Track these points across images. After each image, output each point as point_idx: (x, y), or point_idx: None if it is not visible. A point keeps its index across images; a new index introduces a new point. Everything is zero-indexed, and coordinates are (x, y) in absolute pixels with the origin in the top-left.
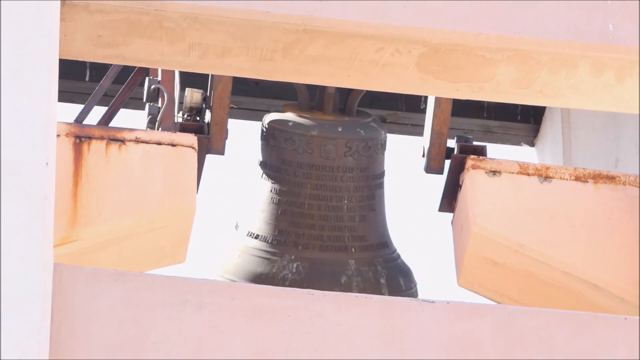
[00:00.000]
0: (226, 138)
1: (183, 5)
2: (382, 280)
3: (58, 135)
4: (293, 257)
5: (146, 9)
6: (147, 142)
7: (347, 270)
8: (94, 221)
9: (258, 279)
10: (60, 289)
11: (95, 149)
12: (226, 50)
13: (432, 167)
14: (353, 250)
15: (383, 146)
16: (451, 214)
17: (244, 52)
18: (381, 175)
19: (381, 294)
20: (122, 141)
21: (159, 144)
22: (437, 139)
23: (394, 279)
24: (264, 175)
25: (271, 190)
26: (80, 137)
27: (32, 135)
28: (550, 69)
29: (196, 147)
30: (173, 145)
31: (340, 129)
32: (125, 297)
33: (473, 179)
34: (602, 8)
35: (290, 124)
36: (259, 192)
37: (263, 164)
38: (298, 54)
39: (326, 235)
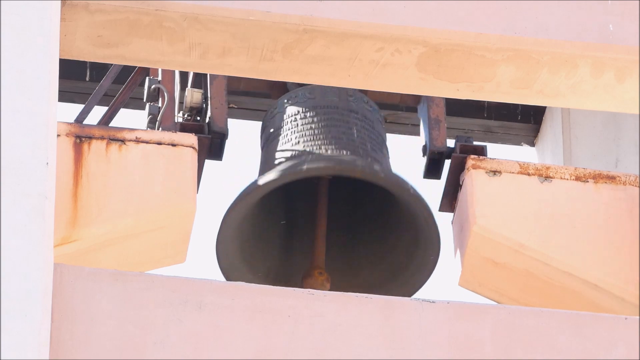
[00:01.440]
0: (226, 138)
1: (183, 5)
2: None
3: (58, 135)
4: (313, 158)
5: (146, 9)
6: (147, 142)
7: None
8: (94, 221)
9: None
10: (60, 289)
11: (95, 149)
12: (226, 50)
13: (436, 146)
14: (368, 159)
15: (382, 121)
16: (451, 214)
17: (244, 52)
18: (384, 143)
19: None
20: (123, 141)
21: (159, 144)
22: (436, 124)
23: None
24: (271, 136)
25: (282, 137)
26: (80, 137)
27: (32, 135)
28: (550, 69)
29: (196, 147)
30: (173, 145)
31: (337, 91)
32: (125, 297)
33: (473, 178)
34: (602, 8)
35: (291, 94)
36: (269, 147)
37: (268, 133)
38: (298, 54)
39: (341, 151)
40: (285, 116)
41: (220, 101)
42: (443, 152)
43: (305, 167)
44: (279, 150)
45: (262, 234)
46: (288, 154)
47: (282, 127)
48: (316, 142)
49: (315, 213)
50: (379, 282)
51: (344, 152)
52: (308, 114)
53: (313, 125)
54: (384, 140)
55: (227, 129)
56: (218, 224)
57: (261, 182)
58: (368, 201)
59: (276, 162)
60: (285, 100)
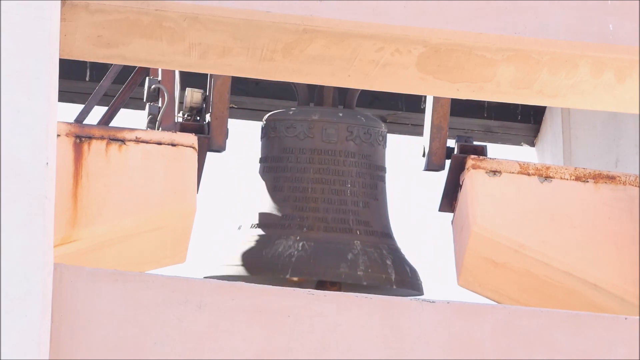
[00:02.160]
0: (226, 137)
1: (183, 5)
2: (389, 262)
3: (58, 135)
4: (298, 237)
5: (146, 9)
6: (147, 142)
7: (353, 249)
8: (94, 221)
9: (264, 259)
10: (60, 289)
11: (95, 149)
12: (226, 50)
13: (434, 163)
14: (358, 232)
15: (384, 139)
16: (451, 214)
17: (244, 52)
18: (383, 168)
19: (388, 274)
20: (122, 141)
21: (159, 143)
22: (437, 133)
23: (400, 264)
24: (265, 168)
25: (273, 180)
26: (80, 137)
27: (32, 135)
28: (550, 69)
29: (196, 147)
30: (173, 145)
31: (341, 114)
32: (125, 297)
33: (473, 178)
34: (602, 8)
35: (291, 112)
36: (261, 185)
37: (264, 159)
38: (298, 54)
39: (331, 218)
40: (284, 146)
41: (222, 122)
42: (440, 169)
43: (288, 274)
44: (271, 194)
45: None
46: (275, 219)
47: (279, 159)
48: (306, 212)
49: None
50: None
51: (330, 255)
52: (304, 157)
53: (307, 178)
54: (381, 176)
55: (225, 146)
56: (218, 224)
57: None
58: None
59: (265, 214)
60: (286, 128)
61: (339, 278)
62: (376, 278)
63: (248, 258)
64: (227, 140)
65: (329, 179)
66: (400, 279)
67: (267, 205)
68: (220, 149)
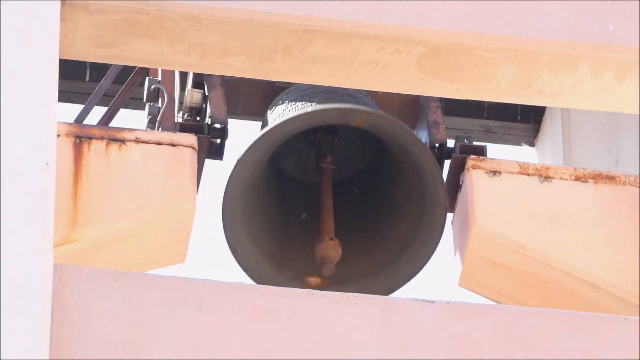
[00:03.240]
0: (226, 138)
1: (183, 5)
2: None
3: (58, 135)
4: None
5: (146, 9)
6: (147, 142)
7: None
8: (94, 221)
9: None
10: (60, 289)
11: (95, 149)
12: (226, 50)
13: (436, 137)
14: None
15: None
16: (451, 214)
17: (244, 52)
18: None
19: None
20: (122, 141)
21: (159, 144)
22: (435, 125)
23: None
24: (269, 120)
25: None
26: (80, 137)
27: (32, 135)
28: (550, 69)
29: (196, 147)
30: (173, 145)
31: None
32: (125, 297)
33: (473, 179)
34: (602, 8)
35: (291, 87)
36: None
37: (265, 121)
38: (298, 54)
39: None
40: (284, 104)
41: (218, 102)
42: (443, 144)
43: (309, 110)
44: (278, 118)
45: (266, 213)
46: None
47: (281, 111)
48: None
49: (320, 193)
50: (386, 260)
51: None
52: (307, 97)
53: (313, 103)
54: None
55: (227, 122)
56: (218, 224)
57: (263, 131)
58: (374, 178)
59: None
60: (286, 93)
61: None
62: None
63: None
64: (227, 141)
65: (336, 99)
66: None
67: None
68: (222, 122)
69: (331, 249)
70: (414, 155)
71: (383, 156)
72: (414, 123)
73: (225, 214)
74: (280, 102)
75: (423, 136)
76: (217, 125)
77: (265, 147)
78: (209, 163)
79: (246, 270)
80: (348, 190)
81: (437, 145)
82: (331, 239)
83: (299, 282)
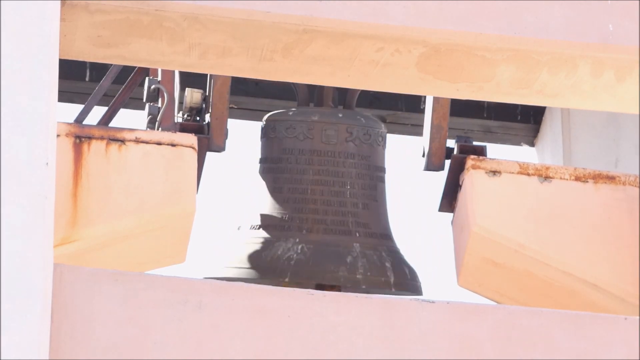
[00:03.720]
0: (226, 137)
1: (183, 5)
2: (388, 265)
3: (58, 135)
4: (297, 240)
5: (146, 9)
6: (147, 142)
7: (352, 252)
8: (94, 221)
9: (263, 262)
10: (60, 289)
11: (95, 149)
12: (226, 50)
13: (433, 164)
14: (357, 234)
15: (383, 140)
16: (451, 214)
17: (244, 52)
18: (382, 169)
19: (387, 277)
20: (122, 141)
21: (159, 144)
22: (437, 133)
23: (399, 267)
24: (265, 169)
25: (273, 181)
26: (80, 137)
27: (32, 135)
28: (550, 69)
29: (196, 147)
30: (173, 145)
31: (340, 115)
32: (125, 297)
33: (473, 179)
34: (602, 8)
35: (291, 113)
36: (261, 186)
37: (264, 159)
38: (298, 54)
39: (330, 220)
40: (284, 147)
41: (221, 122)
42: (439, 170)
43: (287, 277)
44: (271, 195)
45: None
46: (275, 220)
47: (279, 160)
48: (305, 214)
49: None
50: None
51: (329, 258)
52: (304, 158)
53: (306, 179)
54: (381, 177)
55: (225, 147)
56: (218, 224)
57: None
58: None
59: (264, 215)
60: (286, 128)
61: (337, 282)
62: (375, 281)
63: (247, 261)
64: (227, 141)
65: (328, 180)
66: (399, 282)
67: (267, 206)
68: (219, 149)
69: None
70: None
71: None
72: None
73: None
74: (272, 136)
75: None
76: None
77: None
78: (209, 163)
79: None
80: None
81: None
82: None
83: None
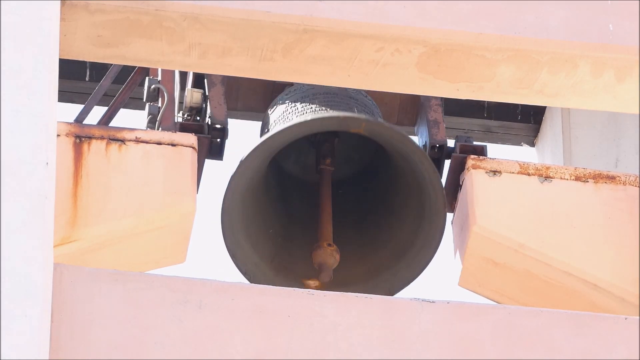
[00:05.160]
0: (226, 138)
1: (183, 5)
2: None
3: (58, 135)
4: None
5: (146, 9)
6: (147, 142)
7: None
8: (94, 221)
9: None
10: (60, 289)
11: (95, 149)
12: (226, 50)
13: (435, 139)
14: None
15: (380, 116)
16: (451, 214)
17: (244, 52)
18: None
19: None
20: (122, 141)
21: (159, 144)
22: (435, 124)
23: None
24: (269, 123)
25: (279, 119)
26: (80, 137)
27: (32, 135)
28: (550, 69)
29: (196, 147)
30: (173, 145)
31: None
32: (125, 297)
33: (473, 178)
34: (602, 8)
35: (291, 88)
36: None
37: (265, 123)
38: (298, 54)
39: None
40: (285, 105)
41: (218, 101)
42: (443, 145)
43: (309, 117)
44: (279, 121)
45: (265, 217)
46: (288, 117)
47: (282, 113)
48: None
49: (319, 195)
50: (385, 264)
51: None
52: (308, 98)
53: (314, 106)
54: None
55: (227, 122)
56: (218, 224)
57: (263, 137)
58: (373, 180)
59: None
60: (286, 94)
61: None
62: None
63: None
64: (227, 141)
65: (336, 104)
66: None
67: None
68: (222, 123)
69: (329, 256)
70: (413, 163)
71: (382, 158)
72: (415, 121)
73: (225, 218)
74: (280, 102)
75: (423, 135)
76: (217, 125)
77: (265, 153)
78: (209, 163)
79: (245, 274)
80: (348, 190)
81: (437, 145)
82: (329, 245)
83: (299, 284)
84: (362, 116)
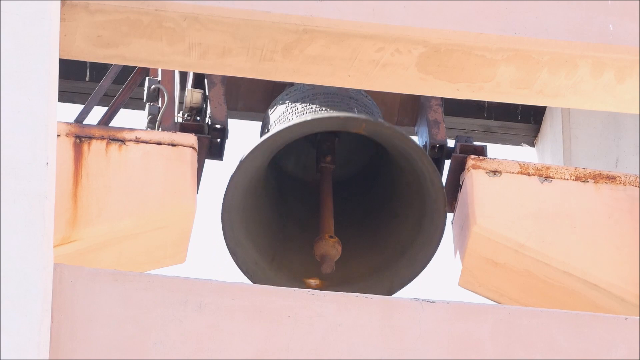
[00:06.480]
0: (226, 138)
1: (183, 5)
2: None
3: (58, 135)
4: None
5: (146, 9)
6: (147, 142)
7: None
8: (94, 221)
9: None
10: (60, 289)
11: (95, 149)
12: (226, 50)
13: (436, 139)
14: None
15: (381, 116)
16: (451, 214)
17: (244, 52)
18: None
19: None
20: (122, 141)
21: (159, 144)
22: (435, 124)
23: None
24: (269, 123)
25: (279, 119)
26: (80, 137)
27: (32, 135)
28: (550, 69)
29: (196, 147)
30: (173, 145)
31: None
32: (125, 297)
33: (473, 179)
34: (602, 8)
35: (291, 88)
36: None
37: (265, 123)
38: (298, 54)
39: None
40: (285, 105)
41: (219, 101)
42: (443, 145)
43: (309, 117)
44: (279, 121)
45: (265, 216)
46: (288, 117)
47: (282, 113)
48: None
49: (320, 192)
50: (386, 262)
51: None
52: (308, 98)
53: (314, 106)
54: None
55: (227, 122)
56: (218, 224)
57: (263, 137)
58: (373, 180)
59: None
60: (286, 94)
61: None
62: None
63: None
64: (227, 141)
65: (336, 104)
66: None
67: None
68: (222, 123)
69: (331, 247)
70: (413, 162)
71: (383, 157)
72: (415, 121)
73: (225, 217)
74: (280, 102)
75: (423, 135)
76: (217, 126)
77: (265, 152)
78: (209, 163)
79: (246, 272)
80: (348, 190)
81: (437, 145)
82: (331, 237)
83: (299, 282)
84: (363, 116)
